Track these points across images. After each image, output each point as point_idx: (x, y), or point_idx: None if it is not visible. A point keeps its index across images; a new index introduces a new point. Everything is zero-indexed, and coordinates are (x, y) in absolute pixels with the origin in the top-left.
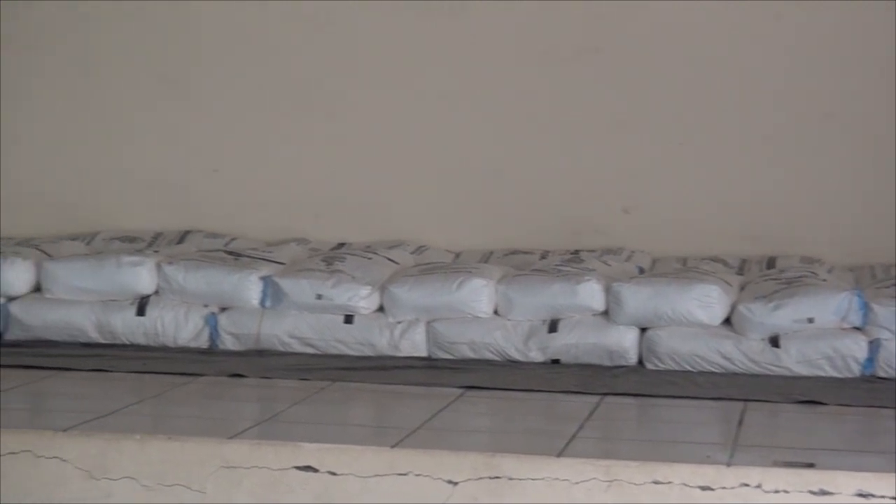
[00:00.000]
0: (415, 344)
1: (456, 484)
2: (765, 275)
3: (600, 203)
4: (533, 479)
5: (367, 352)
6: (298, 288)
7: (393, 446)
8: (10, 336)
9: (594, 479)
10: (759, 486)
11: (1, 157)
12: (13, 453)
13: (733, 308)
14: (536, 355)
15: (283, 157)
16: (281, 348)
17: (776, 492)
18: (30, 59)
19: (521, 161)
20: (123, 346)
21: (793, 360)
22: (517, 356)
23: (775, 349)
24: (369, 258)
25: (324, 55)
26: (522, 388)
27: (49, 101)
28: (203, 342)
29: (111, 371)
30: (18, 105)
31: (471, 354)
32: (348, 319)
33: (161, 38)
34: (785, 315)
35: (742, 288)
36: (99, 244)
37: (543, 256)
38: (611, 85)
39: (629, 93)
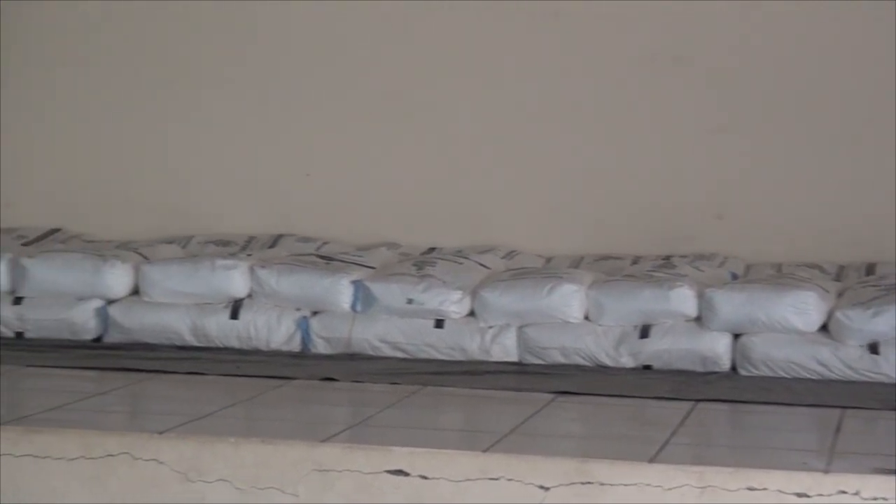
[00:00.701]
0: (505, 349)
1: (547, 489)
2: (863, 281)
3: (693, 209)
4: (625, 485)
5: (458, 356)
6: (389, 292)
7: (484, 451)
8: (110, 338)
9: (687, 485)
10: (857, 494)
11: (101, 161)
12: (112, 455)
13: (830, 314)
14: (628, 361)
15: (375, 162)
16: (371, 352)
17: (874, 499)
18: (126, 66)
19: (613, 167)
20: (217, 349)
21: (892, 367)
22: (608, 362)
23: (874, 356)
24: (460, 263)
25: (417, 61)
26: (613, 393)
27: (148, 107)
28: (295, 346)
29: (205, 374)
30: (117, 110)
31: (561, 360)
32: (439, 324)
33: (255, 43)
34: (884, 322)
35: (840, 294)
36: (194, 248)
37: (635, 262)
38: (704, 91)
39: (723, 99)
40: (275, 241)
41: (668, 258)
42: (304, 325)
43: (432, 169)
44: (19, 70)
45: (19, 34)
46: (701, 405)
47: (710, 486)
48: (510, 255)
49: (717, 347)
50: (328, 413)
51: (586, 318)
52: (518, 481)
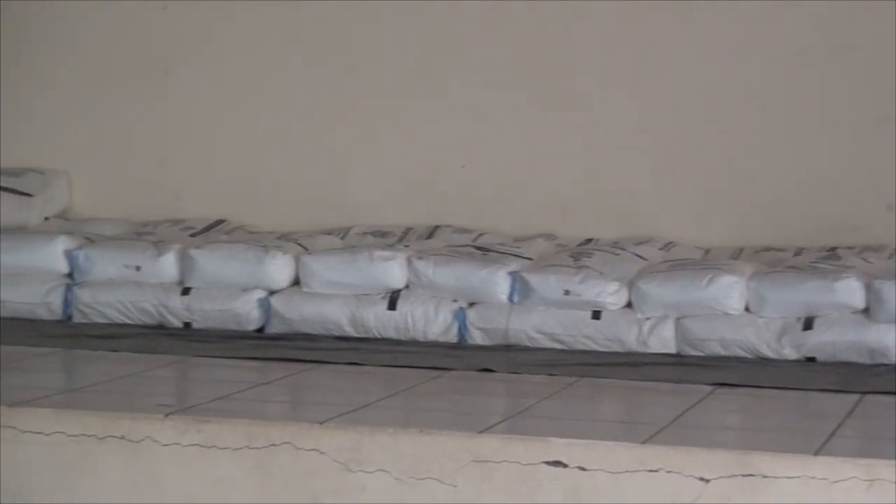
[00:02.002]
0: (664, 340)
1: (708, 481)
2: None
3: (860, 200)
4: (789, 478)
5: (616, 348)
6: (546, 283)
7: (643, 442)
8: (272, 329)
9: (854, 477)
10: None
11: (264, 153)
12: (275, 445)
13: None
14: (790, 353)
15: (532, 153)
16: (528, 343)
17: None
18: (286, 59)
19: (775, 157)
20: (376, 339)
21: None
22: (769, 353)
23: None
24: (617, 254)
25: (573, 51)
26: (775, 385)
27: (308, 99)
28: (452, 337)
29: (364, 364)
30: (279, 103)
31: (721, 351)
32: (596, 315)
33: (409, 34)
34: None
35: None
36: (353, 238)
37: (797, 253)
38: (871, 81)
39: (888, 88)
40: (432, 232)
41: (833, 249)
42: (461, 316)
43: (589, 160)
44: (187, 66)
45: (184, 33)
46: (868, 398)
47: (878, 479)
48: (667, 246)
49: (886, 339)
50: (486, 404)
51: (747, 309)
52: (677, 473)
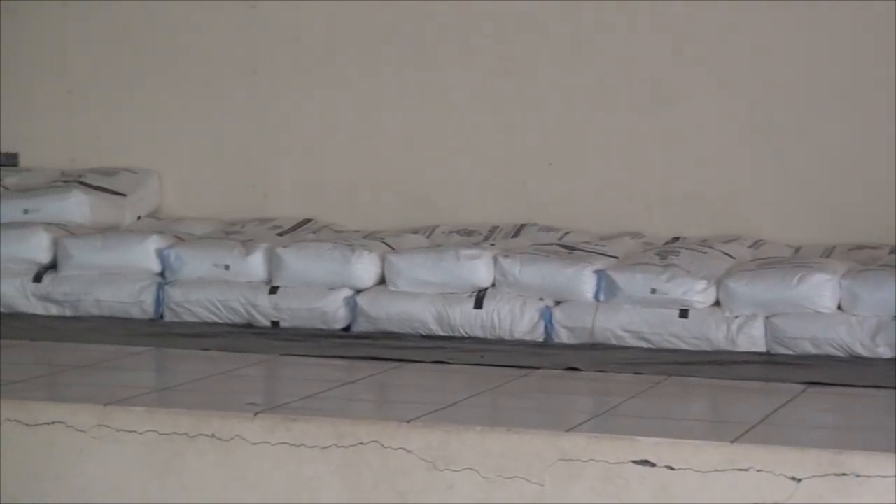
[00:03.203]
0: (753, 339)
1: (800, 481)
2: None
3: None
4: (882, 477)
5: (703, 346)
6: (632, 282)
7: (732, 441)
8: (358, 328)
9: None
10: None
11: (349, 152)
12: (362, 443)
13: None
14: (885, 351)
15: (618, 151)
16: (615, 342)
17: None
18: (372, 58)
19: (867, 154)
20: (462, 338)
21: None
22: (863, 352)
23: None
24: (705, 252)
25: (663, 50)
26: (869, 384)
27: (394, 98)
28: (538, 335)
29: (450, 363)
30: (364, 102)
31: (812, 350)
32: (683, 314)
33: (497, 33)
34: None
35: None
36: (438, 237)
37: (893, 251)
38: None
39: None
40: (518, 230)
41: None
42: (547, 315)
43: (677, 158)
44: (276, 65)
45: (272, 33)
46: None
47: None
48: (756, 244)
49: None
50: (572, 402)
51: (839, 308)
52: (768, 472)
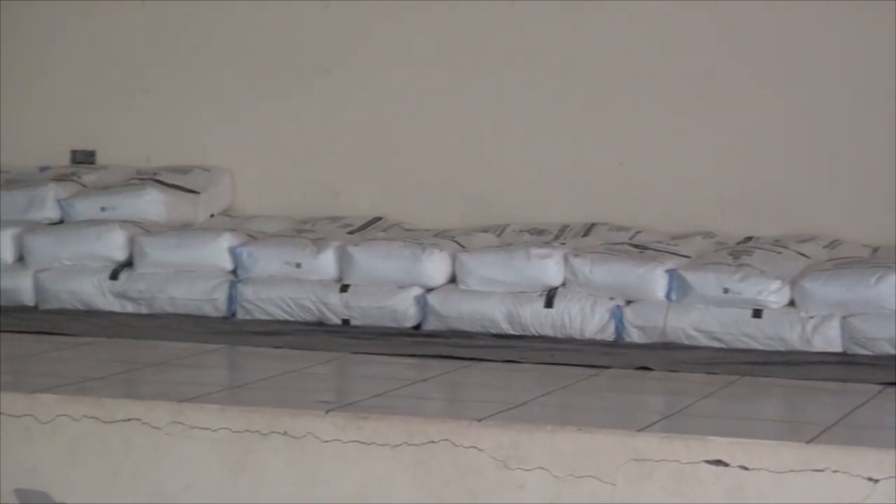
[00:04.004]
0: (828, 339)
1: (877, 481)
2: None
3: None
4: None
5: (778, 346)
6: (705, 281)
7: (808, 441)
8: (428, 326)
9: None
10: None
11: (420, 150)
12: (433, 442)
13: None
14: None
15: (690, 149)
16: (687, 342)
17: None
18: (442, 59)
19: None
20: (532, 337)
21: None
22: None
23: None
24: (779, 252)
25: (728, 48)
26: None
27: (464, 96)
28: (609, 334)
29: (521, 362)
30: (436, 101)
31: (891, 350)
32: (757, 314)
33: (566, 32)
34: None
35: None
36: (509, 236)
37: None
38: None
39: None
40: (588, 229)
41: None
42: (617, 314)
43: (749, 156)
44: (347, 64)
45: (344, 32)
46: None
47: None
48: (832, 244)
49: None
50: (644, 402)
51: None
52: (844, 473)
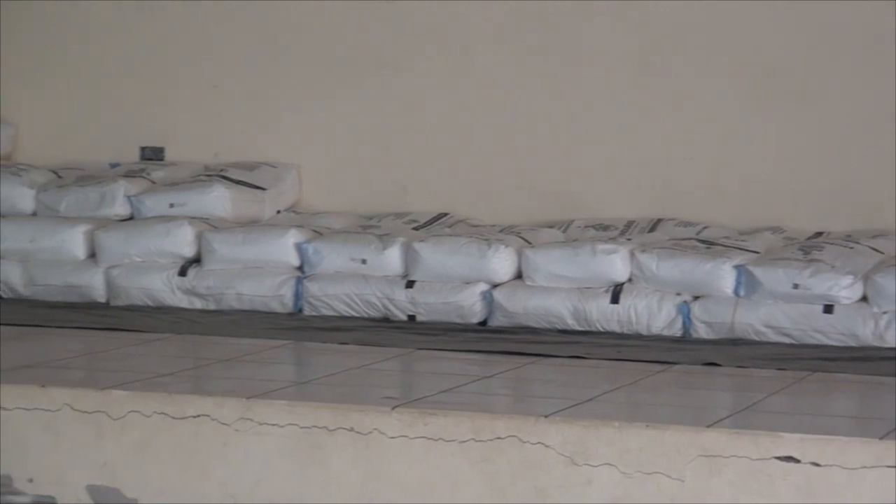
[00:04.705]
0: None
1: None
2: None
3: None
4: None
5: (850, 342)
6: (774, 277)
7: (881, 438)
8: (494, 322)
9: None
10: None
11: (484, 147)
12: (500, 438)
13: None
14: None
15: (759, 144)
16: (755, 337)
17: None
18: (505, 55)
19: None
20: (598, 333)
21: None
22: None
23: None
24: (850, 247)
25: (798, 44)
26: None
27: (528, 93)
28: (676, 330)
29: (587, 358)
30: (497, 98)
31: None
32: (828, 309)
33: (636, 29)
34: None
35: None
36: (574, 232)
37: None
38: None
39: None
40: (654, 225)
41: None
42: (685, 310)
43: (820, 151)
44: (413, 61)
45: (410, 29)
46: None
47: None
48: None
49: None
50: (712, 398)
51: None
52: None
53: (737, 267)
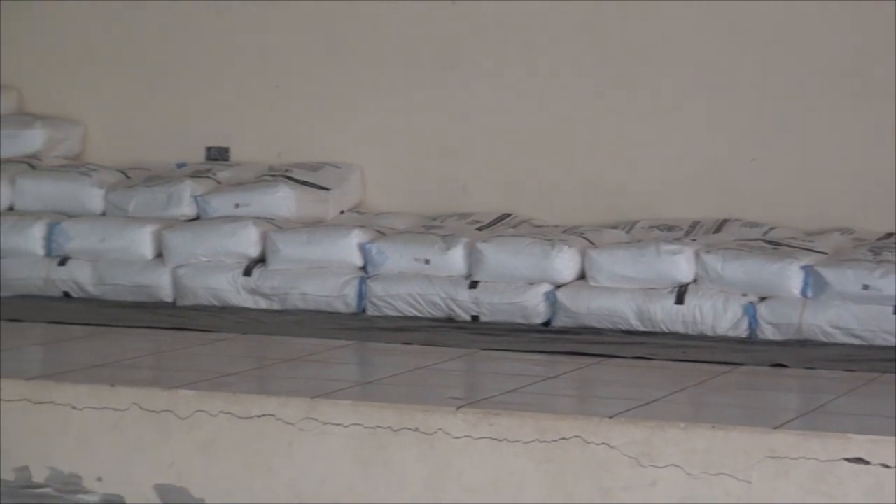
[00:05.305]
0: None
1: None
2: None
3: None
4: None
5: None
6: (843, 278)
7: None
8: (558, 323)
9: None
10: None
11: (548, 146)
12: (564, 438)
13: None
14: None
15: (828, 143)
16: (823, 339)
17: None
18: (573, 55)
19: None
20: (663, 333)
21: None
22: None
23: None
24: None
25: (865, 43)
26: None
27: (592, 92)
28: (741, 331)
29: (651, 359)
30: (561, 97)
31: None
32: None
33: (696, 28)
34: None
35: None
36: (638, 232)
37: None
38: None
39: None
40: (720, 225)
41: None
42: (751, 311)
43: (889, 152)
44: (475, 60)
45: (472, 28)
46: None
47: None
48: None
49: None
50: (779, 399)
51: None
52: None
53: (804, 268)
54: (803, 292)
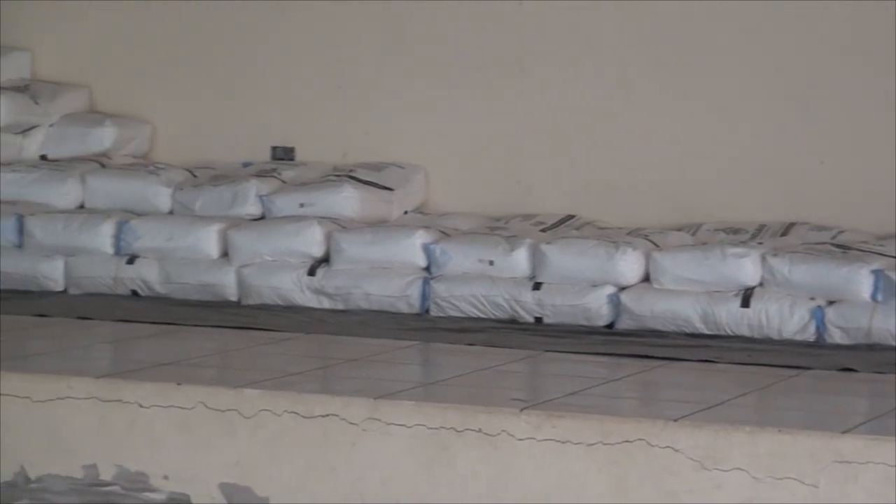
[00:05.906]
0: None
1: None
2: None
3: None
4: None
5: None
6: None
7: None
8: (622, 325)
9: None
10: None
11: (611, 147)
12: (628, 441)
13: None
14: None
15: (893, 147)
16: (893, 343)
17: None
18: (635, 56)
19: None
20: (728, 337)
21: None
22: None
23: None
24: None
25: None
26: None
27: (657, 95)
28: (809, 335)
29: (716, 362)
30: (630, 98)
31: None
32: None
33: (773, 27)
34: None
35: None
36: (703, 235)
37: None
38: None
39: None
40: (787, 229)
41: None
42: (818, 315)
43: None
44: (541, 62)
45: (538, 30)
46: None
47: None
48: None
49: None
50: (847, 404)
51: None
52: None
53: (874, 272)
54: (873, 296)
